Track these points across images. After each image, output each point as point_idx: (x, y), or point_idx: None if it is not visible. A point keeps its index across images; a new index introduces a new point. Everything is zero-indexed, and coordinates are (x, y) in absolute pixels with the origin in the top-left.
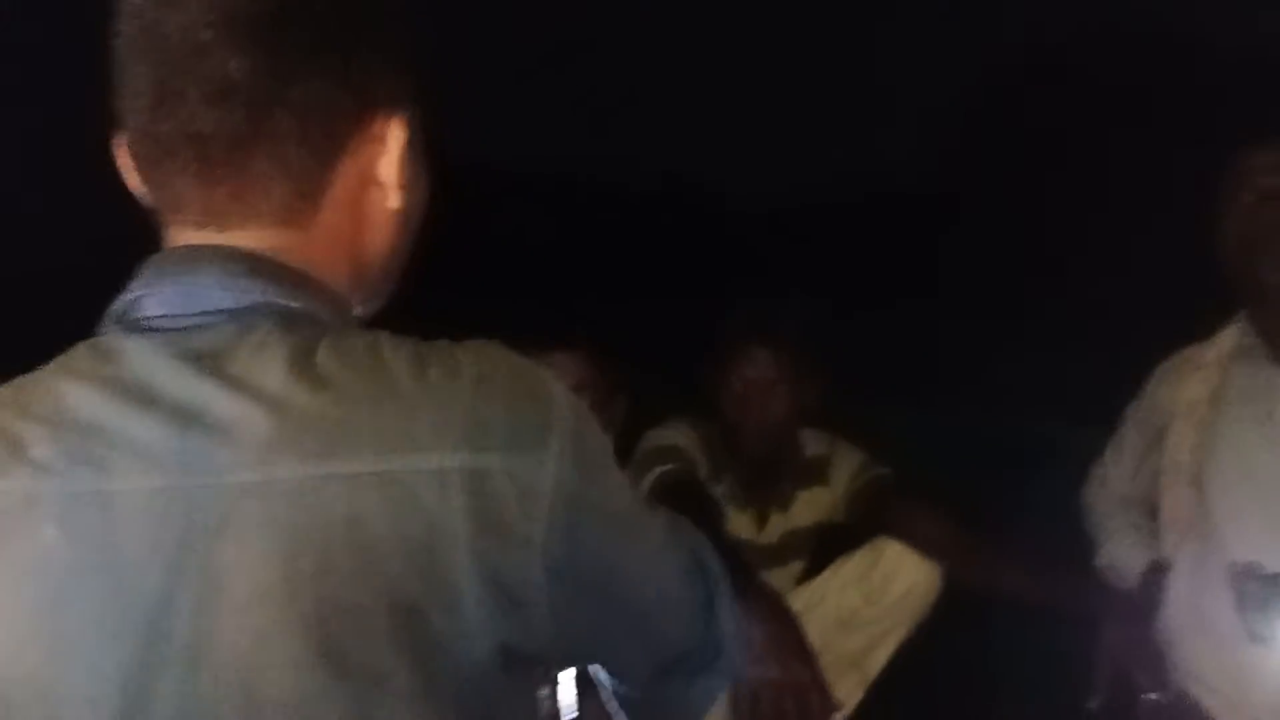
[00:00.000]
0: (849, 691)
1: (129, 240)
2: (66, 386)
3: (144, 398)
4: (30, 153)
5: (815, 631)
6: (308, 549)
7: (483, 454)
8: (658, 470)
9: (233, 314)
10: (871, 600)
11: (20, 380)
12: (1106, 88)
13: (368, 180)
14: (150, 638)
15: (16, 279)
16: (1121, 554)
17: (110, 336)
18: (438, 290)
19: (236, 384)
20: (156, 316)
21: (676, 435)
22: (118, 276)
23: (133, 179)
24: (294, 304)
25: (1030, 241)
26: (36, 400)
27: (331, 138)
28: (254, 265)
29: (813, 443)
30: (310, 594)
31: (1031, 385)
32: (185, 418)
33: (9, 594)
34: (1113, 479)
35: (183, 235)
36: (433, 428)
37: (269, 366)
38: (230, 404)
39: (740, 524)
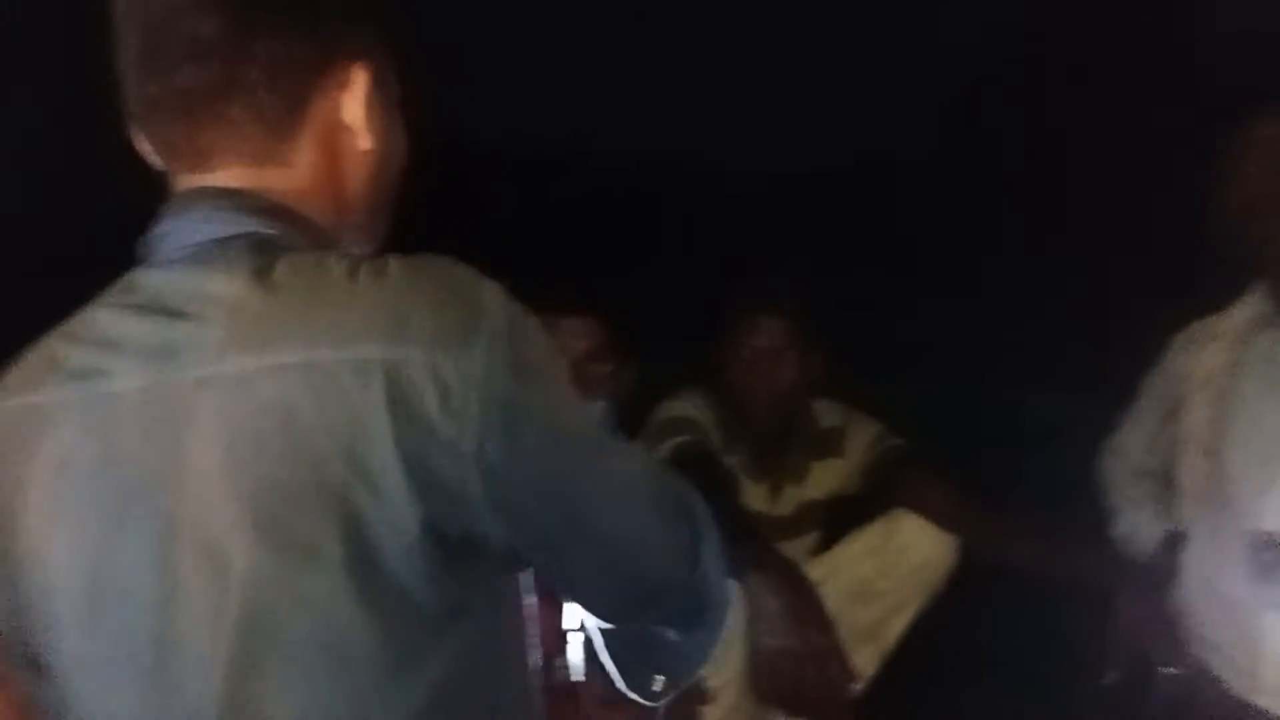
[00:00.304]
0: (864, 663)
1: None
2: (97, 313)
3: (145, 315)
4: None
5: (831, 603)
6: (246, 433)
7: (400, 346)
8: (671, 442)
9: (219, 242)
10: (886, 572)
11: (78, 313)
12: (1105, 59)
13: (338, 123)
14: (151, 521)
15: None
16: (1137, 525)
17: (134, 271)
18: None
19: (209, 297)
20: (164, 250)
21: (689, 406)
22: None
23: (140, 144)
24: (270, 231)
25: (1043, 211)
26: (78, 326)
27: (299, 85)
28: (235, 201)
29: (827, 414)
30: (250, 474)
31: (1047, 356)
32: (168, 328)
33: (43, 491)
34: (1129, 450)
35: (182, 180)
36: (358, 322)
37: (235, 279)
38: (200, 311)
39: (754, 496)
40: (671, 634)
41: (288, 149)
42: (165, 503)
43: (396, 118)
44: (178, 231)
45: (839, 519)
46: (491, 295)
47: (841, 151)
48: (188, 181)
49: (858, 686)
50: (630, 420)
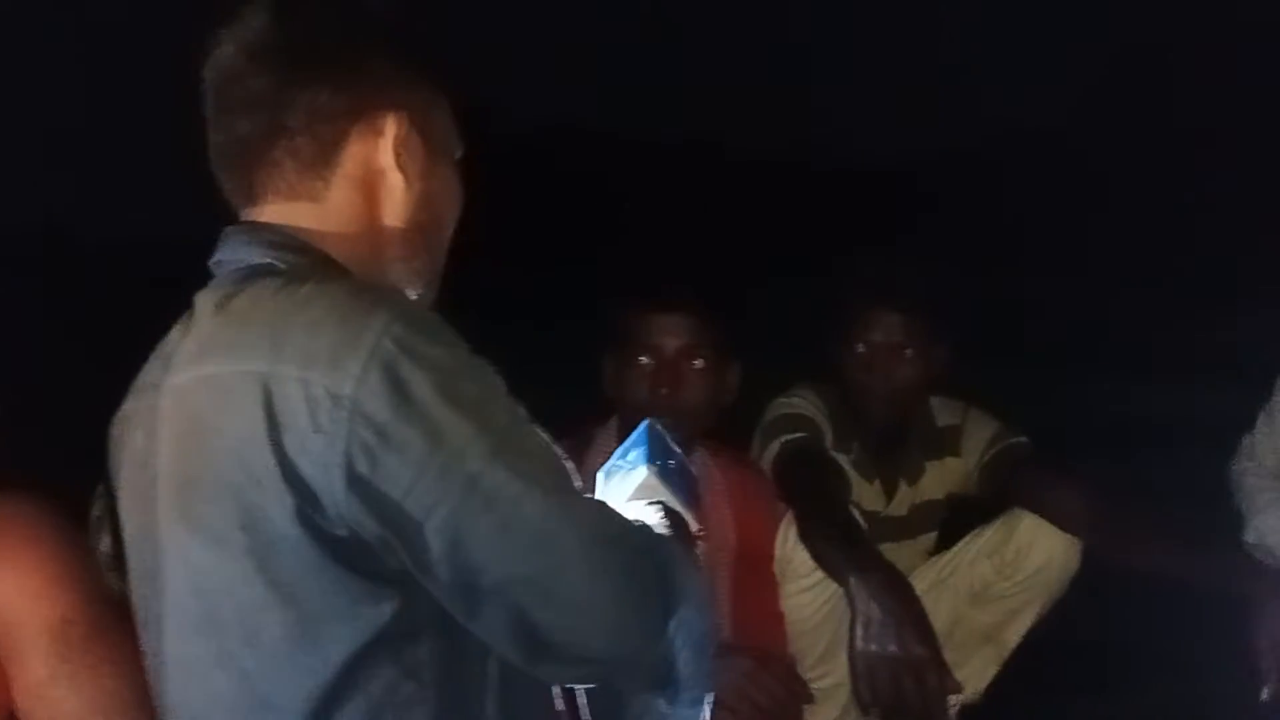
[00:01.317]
0: (983, 666)
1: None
2: (173, 330)
3: (183, 332)
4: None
5: (947, 605)
6: (179, 434)
7: (278, 362)
8: (782, 439)
9: (237, 271)
10: (1005, 574)
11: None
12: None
13: (374, 166)
14: (150, 510)
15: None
16: (1271, 529)
17: (199, 293)
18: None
19: (197, 317)
20: (215, 275)
21: (802, 403)
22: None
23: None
24: (278, 261)
25: (1171, 201)
26: (163, 343)
27: (334, 131)
28: (259, 235)
29: (944, 412)
30: (178, 470)
31: (1178, 349)
32: (180, 344)
33: (125, 483)
34: (1263, 451)
35: (241, 214)
36: (251, 339)
37: (210, 302)
38: (188, 331)
39: (868, 495)
40: (661, 703)
41: (320, 186)
42: (154, 493)
43: (443, 161)
44: (223, 261)
45: (957, 519)
46: (380, 321)
47: (956, 144)
48: (243, 215)
49: (974, 692)
50: (744, 421)
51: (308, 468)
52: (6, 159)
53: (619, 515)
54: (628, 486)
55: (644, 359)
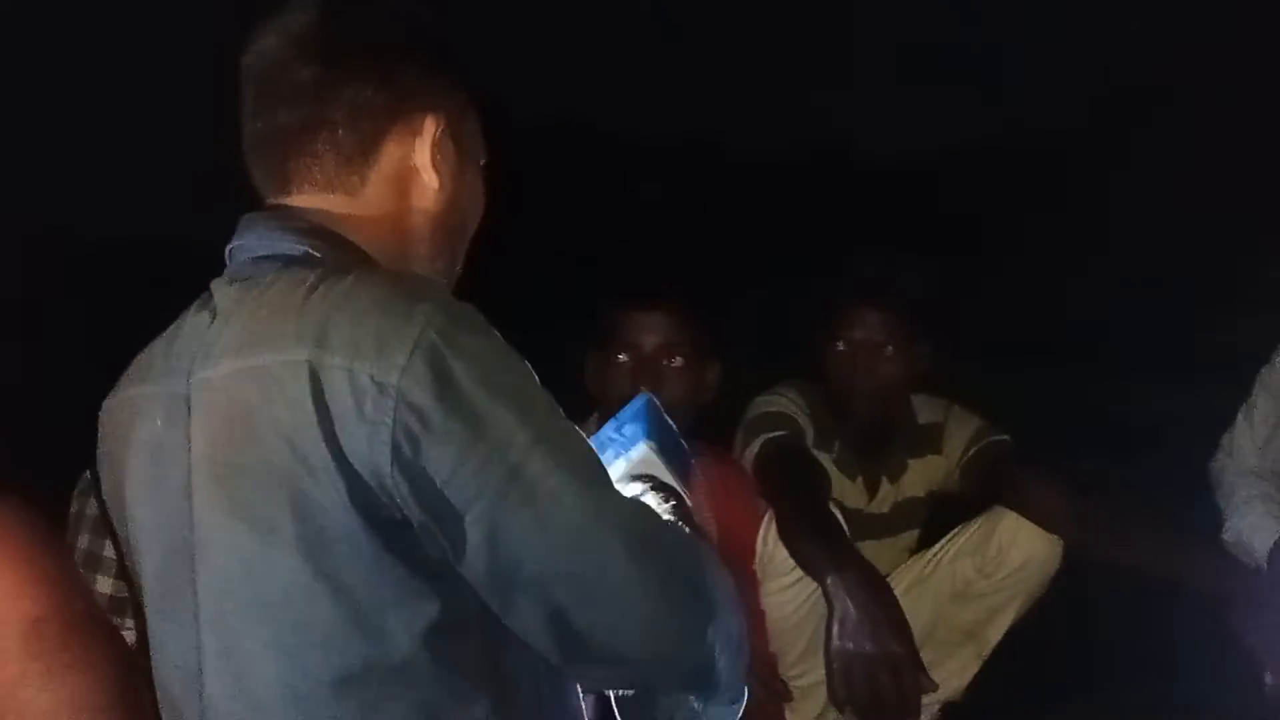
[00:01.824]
0: (964, 664)
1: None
2: (185, 317)
3: (204, 320)
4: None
5: (929, 602)
6: (219, 424)
7: (324, 351)
8: (764, 437)
9: (260, 259)
10: (986, 572)
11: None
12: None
13: (409, 164)
14: (183, 497)
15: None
16: (1249, 527)
17: (216, 279)
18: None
19: (228, 306)
20: (234, 261)
21: (784, 401)
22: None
23: (252, 176)
24: (306, 249)
25: (1156, 202)
26: (172, 329)
27: (375, 127)
28: (285, 220)
29: (927, 409)
30: (221, 459)
31: (1159, 347)
32: (207, 332)
33: (137, 464)
34: (1241, 449)
35: (269, 200)
36: (297, 330)
37: (245, 293)
38: (222, 319)
39: (850, 493)
40: (692, 700)
41: (356, 180)
42: (187, 482)
43: (471, 167)
44: (244, 246)
45: (939, 516)
46: (423, 313)
47: (946, 144)
48: (270, 201)
49: (954, 691)
50: (724, 419)
51: (357, 455)
52: (6, 158)
53: (655, 512)
54: (625, 462)
55: (622, 357)
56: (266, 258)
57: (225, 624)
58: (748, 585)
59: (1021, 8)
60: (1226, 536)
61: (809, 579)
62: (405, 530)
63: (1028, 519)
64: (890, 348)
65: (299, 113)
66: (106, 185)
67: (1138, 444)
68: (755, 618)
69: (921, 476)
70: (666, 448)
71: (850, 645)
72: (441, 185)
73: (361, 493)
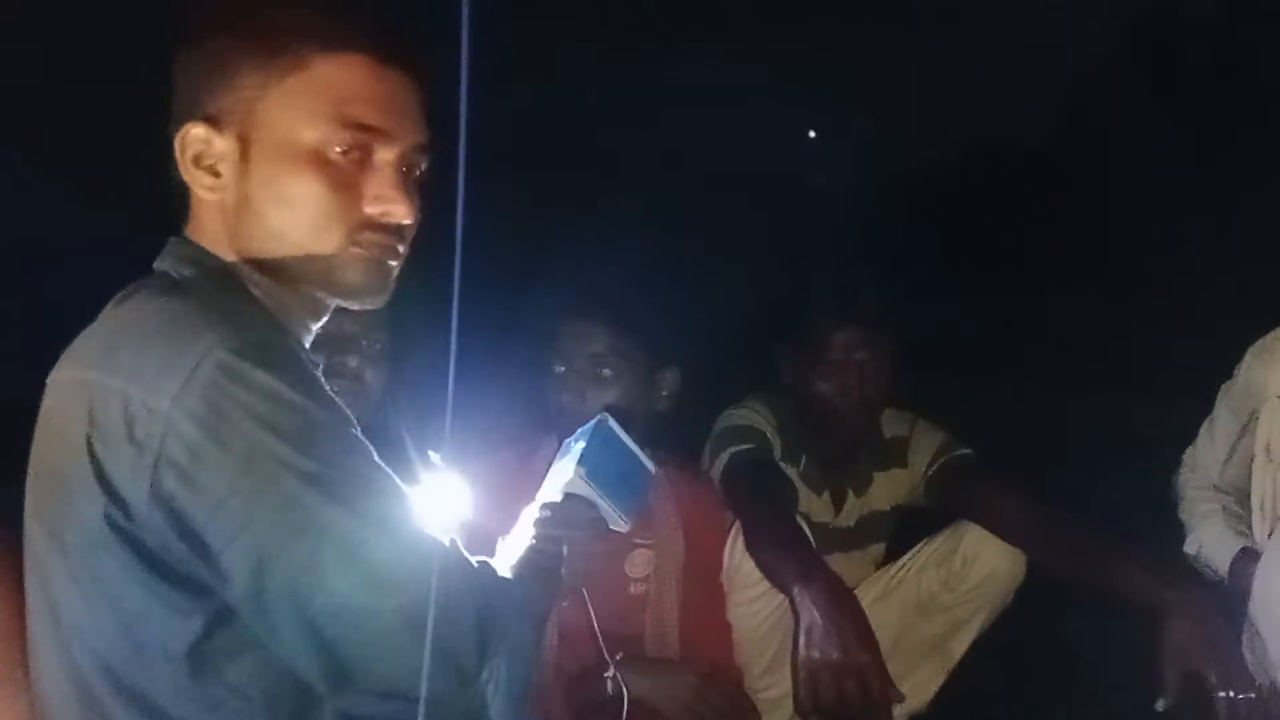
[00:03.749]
0: (930, 676)
1: None
2: None
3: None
4: None
5: (894, 615)
6: (37, 430)
7: (105, 373)
8: (731, 450)
9: (144, 279)
10: (951, 585)
11: None
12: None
13: (189, 183)
14: None
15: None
16: (1211, 541)
17: None
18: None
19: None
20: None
21: (752, 415)
22: None
23: None
24: (170, 271)
25: (1119, 214)
26: None
27: (171, 150)
28: (174, 250)
29: (892, 423)
30: (33, 461)
31: (1120, 364)
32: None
33: None
34: (1203, 463)
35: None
36: (90, 348)
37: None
38: (86, 329)
39: (816, 506)
40: None
41: (188, 205)
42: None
43: (270, 162)
44: (154, 269)
45: (905, 529)
46: (207, 342)
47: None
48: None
49: (920, 703)
50: (694, 430)
51: (118, 476)
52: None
53: (450, 555)
54: (560, 480)
55: (559, 368)
56: (151, 278)
57: (33, 627)
58: (716, 597)
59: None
60: (1188, 550)
61: (776, 591)
62: (159, 554)
63: (991, 532)
64: (871, 364)
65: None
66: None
67: (1105, 459)
68: (723, 630)
69: (887, 490)
70: (607, 472)
71: (817, 654)
72: (218, 197)
73: (118, 514)
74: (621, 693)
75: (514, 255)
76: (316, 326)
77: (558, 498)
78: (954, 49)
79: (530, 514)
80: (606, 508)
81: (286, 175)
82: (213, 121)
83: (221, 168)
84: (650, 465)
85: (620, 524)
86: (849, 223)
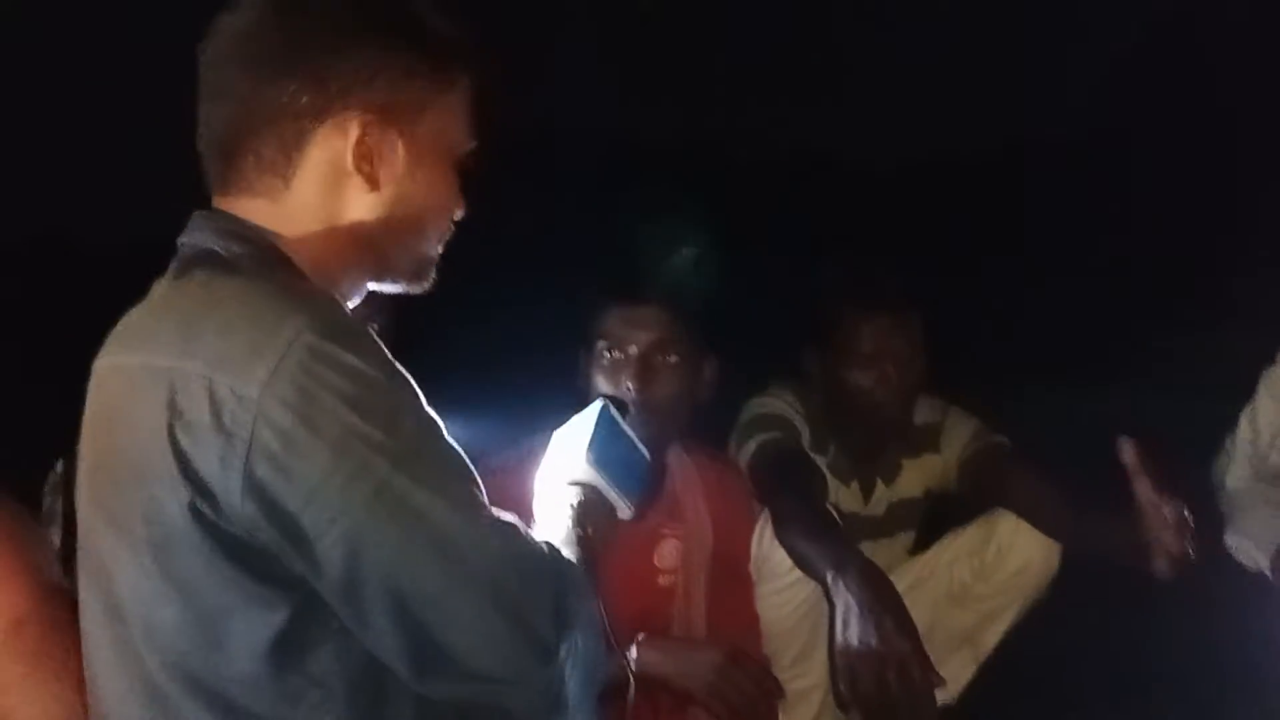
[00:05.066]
0: (960, 668)
1: None
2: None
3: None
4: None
5: (925, 606)
6: (93, 416)
7: (185, 359)
8: (759, 438)
9: (191, 255)
10: (983, 576)
11: None
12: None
13: (340, 168)
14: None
15: None
16: (1253, 531)
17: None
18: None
19: (149, 302)
20: (176, 257)
21: (780, 403)
22: None
23: None
24: (225, 251)
25: (1152, 205)
26: None
27: (297, 129)
28: (215, 223)
29: (924, 409)
30: (92, 456)
31: (1159, 353)
32: (123, 322)
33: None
34: (1244, 451)
35: (215, 200)
36: (162, 333)
37: (167, 290)
38: (135, 311)
39: (844, 496)
40: None
41: (280, 184)
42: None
43: (430, 166)
44: (184, 244)
45: (936, 518)
46: (294, 326)
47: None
48: (215, 203)
49: (949, 695)
50: (719, 419)
51: (206, 466)
52: (8, 161)
53: (524, 535)
54: (566, 468)
55: (615, 354)
56: (198, 255)
57: (93, 624)
58: (743, 586)
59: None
60: (1229, 540)
61: (805, 580)
62: (248, 545)
63: (1026, 521)
64: (900, 354)
65: (228, 115)
66: (108, 185)
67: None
68: (750, 619)
69: (918, 476)
70: (611, 458)
71: (854, 643)
72: (378, 188)
73: (205, 503)
74: (628, 678)
75: (528, 239)
76: (350, 307)
77: (563, 487)
78: (990, 34)
79: (546, 504)
80: (614, 495)
81: (443, 180)
82: (378, 115)
83: (382, 162)
84: (646, 452)
85: (626, 511)
86: (874, 210)
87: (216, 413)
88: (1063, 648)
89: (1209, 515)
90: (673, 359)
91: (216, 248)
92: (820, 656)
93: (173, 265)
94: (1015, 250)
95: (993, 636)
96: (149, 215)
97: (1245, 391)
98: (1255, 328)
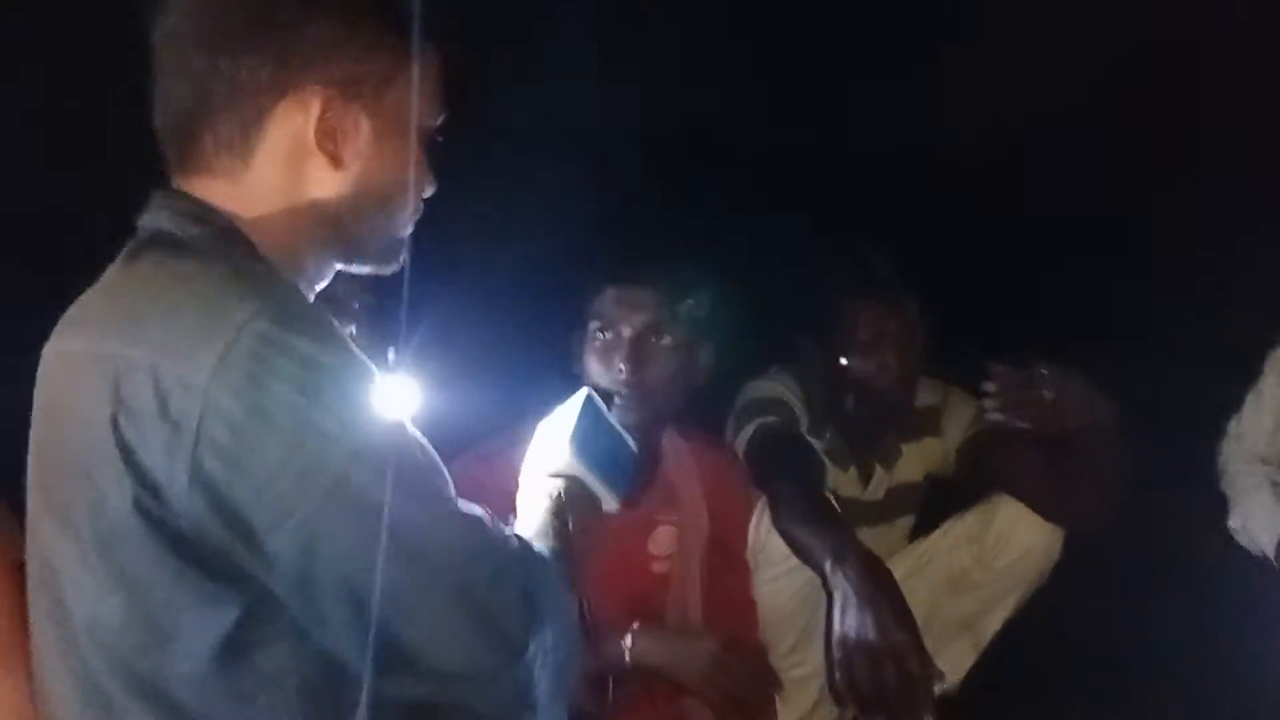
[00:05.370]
0: (960, 655)
1: None
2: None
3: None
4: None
5: (924, 592)
6: (41, 403)
7: (131, 346)
8: (757, 422)
9: (146, 237)
10: (984, 562)
11: None
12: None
13: (302, 146)
14: None
15: None
16: (1257, 515)
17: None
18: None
19: (102, 284)
20: (133, 239)
21: (778, 387)
22: None
23: None
24: (176, 231)
25: (1147, 185)
26: None
27: (254, 106)
28: (171, 203)
29: (925, 392)
30: (37, 446)
31: (1161, 333)
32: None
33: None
34: (1249, 434)
35: (174, 182)
36: (108, 318)
37: (119, 273)
38: (86, 295)
39: (843, 482)
40: None
41: (239, 166)
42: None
43: (397, 141)
44: (141, 226)
45: (936, 502)
46: (246, 311)
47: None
48: (174, 184)
49: (949, 685)
50: (716, 403)
51: (151, 458)
52: (9, 148)
53: (490, 528)
54: (549, 460)
55: (608, 335)
56: (153, 237)
57: (34, 617)
58: (740, 574)
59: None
60: (1232, 524)
61: (803, 568)
62: (196, 541)
63: (1025, 504)
64: (901, 339)
65: (184, 93)
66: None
67: (1146, 432)
68: (747, 607)
69: (917, 460)
70: (596, 449)
71: (852, 635)
72: (344, 166)
73: (150, 496)
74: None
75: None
76: (318, 289)
77: (546, 479)
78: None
79: (527, 497)
80: (598, 487)
81: (411, 157)
82: (341, 90)
83: (346, 139)
84: (632, 443)
85: (611, 503)
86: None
87: (162, 402)
88: (1062, 633)
89: (1213, 498)
90: (666, 341)
91: (172, 229)
92: (818, 644)
93: (127, 247)
94: (1017, 230)
95: (993, 623)
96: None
97: (1250, 374)
98: (1261, 310)
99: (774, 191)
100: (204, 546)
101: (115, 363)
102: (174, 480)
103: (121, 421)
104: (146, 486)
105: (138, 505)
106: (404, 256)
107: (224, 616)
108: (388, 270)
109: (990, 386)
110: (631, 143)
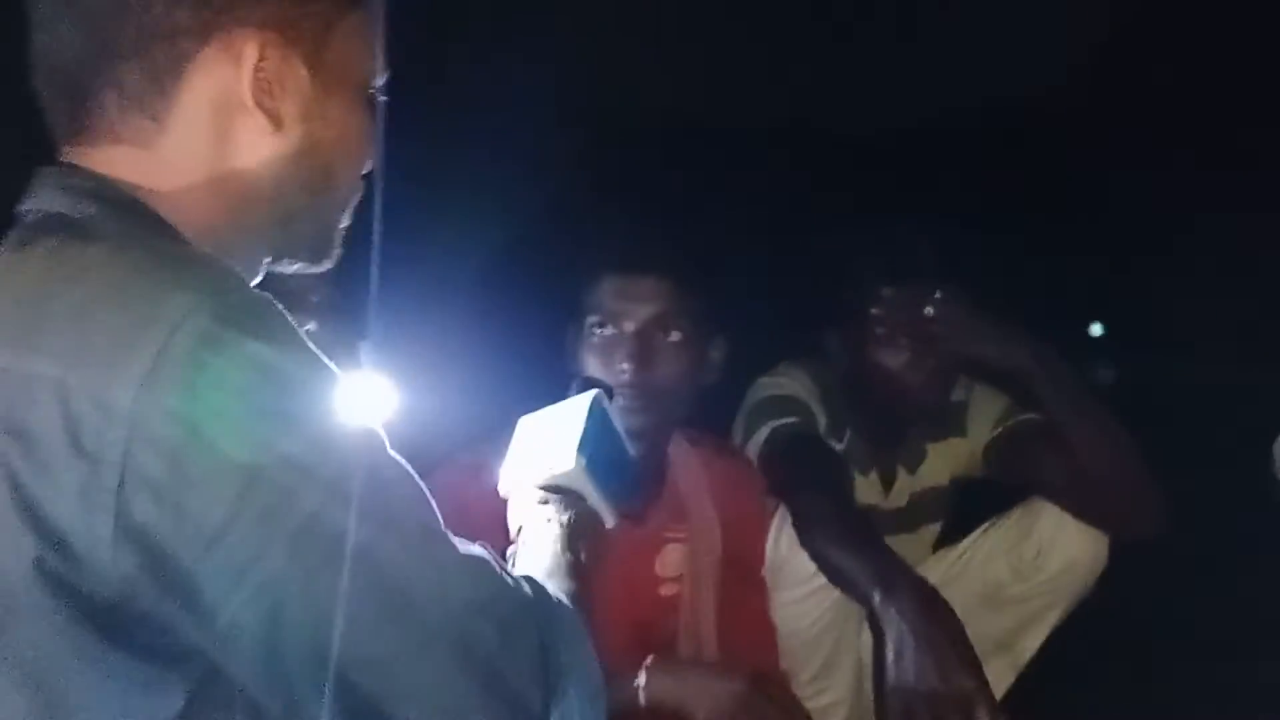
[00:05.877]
0: (997, 677)
1: None
2: None
3: None
4: None
5: (956, 608)
6: None
7: (27, 358)
8: (772, 424)
9: (33, 221)
10: (1023, 575)
11: None
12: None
13: (231, 103)
14: None
15: None
16: None
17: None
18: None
19: None
20: (17, 225)
21: (793, 384)
22: None
23: None
24: (68, 212)
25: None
26: None
27: (170, 53)
28: (61, 179)
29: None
30: None
31: (1215, 321)
32: None
33: None
34: None
35: (64, 153)
36: (8, 324)
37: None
38: None
39: (863, 488)
40: None
41: (151, 129)
42: None
43: (345, 98)
44: (25, 211)
45: (966, 506)
46: (180, 306)
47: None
48: (64, 156)
49: None
50: (725, 402)
51: (59, 506)
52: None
53: (497, 573)
54: (549, 465)
55: (610, 330)
56: (43, 221)
57: None
58: (757, 594)
59: None
60: None
61: (828, 588)
62: (121, 613)
63: (1057, 504)
64: (932, 331)
65: (78, 39)
66: None
67: (1195, 425)
68: (766, 631)
69: (943, 462)
70: (605, 461)
71: (910, 680)
72: (282, 124)
73: (57, 558)
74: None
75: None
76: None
77: (541, 494)
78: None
79: (523, 519)
80: (600, 503)
81: (358, 121)
82: (280, 33)
83: (285, 94)
84: (633, 453)
85: (610, 520)
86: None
87: (73, 430)
88: (1107, 647)
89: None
90: (674, 337)
91: (65, 210)
92: (844, 670)
93: (10, 236)
94: (1052, 211)
95: (1033, 641)
96: None
97: None
98: None
99: (788, 170)
100: (133, 619)
101: (6, 379)
102: (93, 534)
103: (14, 458)
104: (52, 543)
105: (40, 568)
106: (338, 253)
107: (161, 708)
108: (318, 268)
109: (876, 309)
110: (631, 117)
